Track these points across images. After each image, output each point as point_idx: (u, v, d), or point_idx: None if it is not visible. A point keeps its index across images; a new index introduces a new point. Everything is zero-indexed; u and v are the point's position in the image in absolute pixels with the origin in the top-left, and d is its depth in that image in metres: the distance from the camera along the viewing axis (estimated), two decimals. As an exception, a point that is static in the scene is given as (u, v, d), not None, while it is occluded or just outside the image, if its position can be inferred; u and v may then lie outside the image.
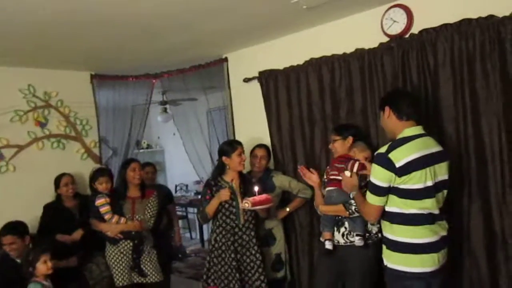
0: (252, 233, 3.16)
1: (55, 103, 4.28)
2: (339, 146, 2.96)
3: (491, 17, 2.54)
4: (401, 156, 2.19)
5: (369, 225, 2.84)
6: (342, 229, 2.87)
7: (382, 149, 2.27)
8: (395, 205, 2.26)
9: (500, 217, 2.61)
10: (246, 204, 2.87)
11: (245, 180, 3.23)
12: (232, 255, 3.09)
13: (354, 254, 2.83)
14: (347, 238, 2.85)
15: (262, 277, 3.13)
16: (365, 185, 2.57)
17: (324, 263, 3.03)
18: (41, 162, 4.12)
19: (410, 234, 2.24)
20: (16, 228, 3.22)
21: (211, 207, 3.10)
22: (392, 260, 2.30)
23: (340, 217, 2.88)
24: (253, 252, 3.15)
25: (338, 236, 2.89)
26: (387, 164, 2.21)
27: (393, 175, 2.20)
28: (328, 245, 2.89)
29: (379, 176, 2.25)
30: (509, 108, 2.54)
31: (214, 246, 3.16)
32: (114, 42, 3.48)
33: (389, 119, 2.39)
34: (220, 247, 3.13)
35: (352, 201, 2.74)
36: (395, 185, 2.23)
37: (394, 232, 2.29)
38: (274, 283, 3.40)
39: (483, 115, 2.63)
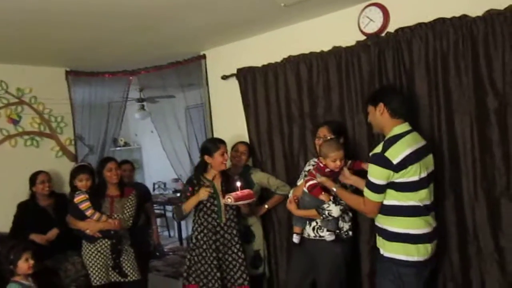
0: (234, 232, 3.15)
1: (28, 99, 4.19)
2: None
3: (464, 17, 2.59)
4: (397, 153, 2.30)
5: (340, 222, 2.87)
6: (313, 223, 2.91)
7: (378, 149, 2.37)
8: (394, 198, 2.37)
9: (472, 212, 2.67)
10: (228, 199, 2.87)
11: (227, 178, 3.21)
12: (214, 254, 3.08)
13: (322, 249, 2.87)
14: (317, 232, 2.89)
15: (244, 275, 3.14)
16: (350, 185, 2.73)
17: (296, 256, 3.10)
18: (14, 160, 4.03)
19: (407, 225, 2.36)
20: None
21: (188, 205, 3.09)
22: (389, 249, 2.40)
23: None
24: (235, 250, 3.14)
25: (309, 230, 2.93)
26: (385, 163, 2.31)
27: (391, 172, 2.31)
28: (295, 239, 2.95)
29: (377, 175, 2.35)
30: (481, 106, 2.60)
31: (195, 245, 3.14)
32: (89, 35, 3.39)
33: (381, 116, 2.46)
34: (202, 245, 3.11)
35: (325, 205, 2.77)
36: (393, 180, 2.33)
37: (392, 224, 2.39)
38: (253, 279, 3.40)
39: (456, 113, 2.69)
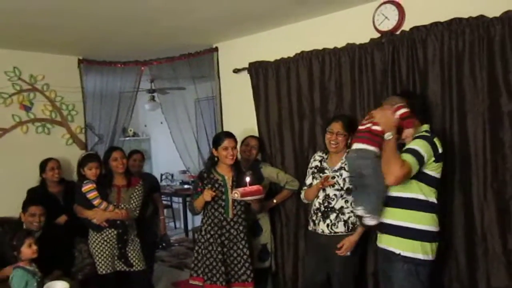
0: (241, 228, 3.11)
1: (41, 86, 4.22)
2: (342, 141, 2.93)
3: (481, 17, 2.57)
4: (439, 145, 2.37)
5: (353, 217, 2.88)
6: (328, 221, 2.92)
7: (426, 133, 2.40)
8: (419, 192, 2.37)
9: (481, 213, 2.67)
10: (235, 194, 2.82)
11: (239, 172, 3.14)
12: (219, 249, 3.06)
13: (336, 243, 2.88)
14: (331, 228, 2.90)
15: (248, 272, 3.11)
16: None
17: (311, 252, 3.11)
18: (25, 146, 4.07)
19: (428, 221, 2.38)
20: None
21: (198, 203, 3.09)
22: (406, 248, 2.37)
23: (326, 209, 2.92)
24: (241, 246, 3.11)
25: (323, 226, 2.94)
26: (433, 146, 2.35)
27: (433, 157, 2.34)
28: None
29: (424, 148, 2.33)
30: (495, 108, 2.58)
31: (203, 237, 3.13)
32: (103, 24, 3.41)
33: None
34: (208, 239, 3.10)
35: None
36: (427, 171, 2.35)
37: (412, 219, 2.37)
38: (259, 273, 3.42)
39: (469, 113, 2.68)
